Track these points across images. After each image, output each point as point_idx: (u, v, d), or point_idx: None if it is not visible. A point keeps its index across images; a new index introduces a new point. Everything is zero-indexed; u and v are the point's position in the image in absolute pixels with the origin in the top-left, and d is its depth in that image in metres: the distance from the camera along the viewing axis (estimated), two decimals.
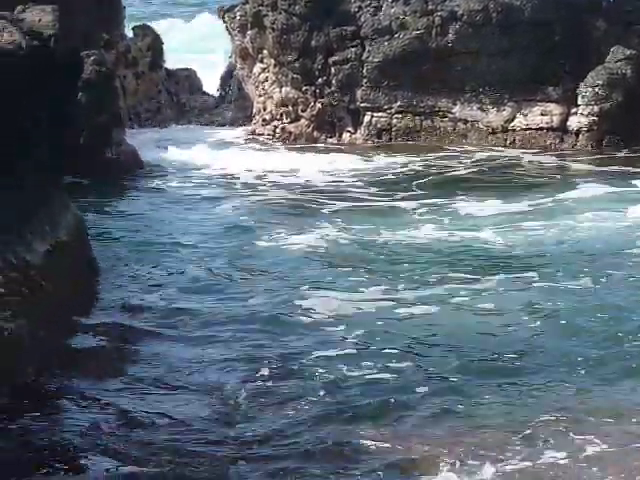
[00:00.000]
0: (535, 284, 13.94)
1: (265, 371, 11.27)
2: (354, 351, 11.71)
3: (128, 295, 14.34)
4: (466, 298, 13.33)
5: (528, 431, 9.12)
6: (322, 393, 10.42)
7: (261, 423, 9.99)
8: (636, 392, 10.15)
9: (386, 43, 24.35)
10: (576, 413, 9.54)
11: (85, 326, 13.18)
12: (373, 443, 9.08)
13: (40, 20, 14.86)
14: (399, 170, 22.99)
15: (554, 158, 23.44)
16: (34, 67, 13.27)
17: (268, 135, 25.99)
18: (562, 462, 8.58)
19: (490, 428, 9.28)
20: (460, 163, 23.47)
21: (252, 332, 12.70)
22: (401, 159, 23.65)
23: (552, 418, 9.35)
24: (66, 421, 10.42)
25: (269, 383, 11.05)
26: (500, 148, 24.15)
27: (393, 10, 24.51)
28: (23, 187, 13.10)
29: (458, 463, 8.49)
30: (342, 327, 12.52)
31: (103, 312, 13.72)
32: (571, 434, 9.04)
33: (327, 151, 24.76)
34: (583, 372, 10.66)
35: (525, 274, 14.47)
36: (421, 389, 10.37)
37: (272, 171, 23.05)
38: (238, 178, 22.79)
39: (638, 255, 15.24)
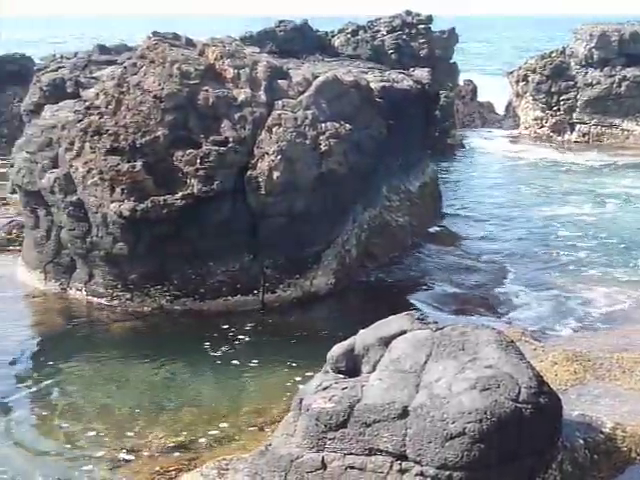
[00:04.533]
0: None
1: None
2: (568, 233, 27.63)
3: (455, 210, 31.46)
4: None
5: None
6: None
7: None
8: None
9: (589, 89, 47.23)
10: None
11: (435, 224, 27.33)
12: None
13: (422, 74, 29.45)
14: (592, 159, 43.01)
15: None
16: (418, 98, 25.28)
17: (527, 135, 49.55)
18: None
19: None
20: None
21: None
22: (596, 152, 44.53)
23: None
24: (424, 265, 23.04)
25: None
26: None
27: (593, 74, 47.30)
28: (417, 152, 26.78)
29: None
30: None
31: (445, 217, 30.19)
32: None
33: (558, 145, 46.49)
34: None
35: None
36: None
37: (529, 153, 44.31)
38: (514, 156, 43.77)
39: None
